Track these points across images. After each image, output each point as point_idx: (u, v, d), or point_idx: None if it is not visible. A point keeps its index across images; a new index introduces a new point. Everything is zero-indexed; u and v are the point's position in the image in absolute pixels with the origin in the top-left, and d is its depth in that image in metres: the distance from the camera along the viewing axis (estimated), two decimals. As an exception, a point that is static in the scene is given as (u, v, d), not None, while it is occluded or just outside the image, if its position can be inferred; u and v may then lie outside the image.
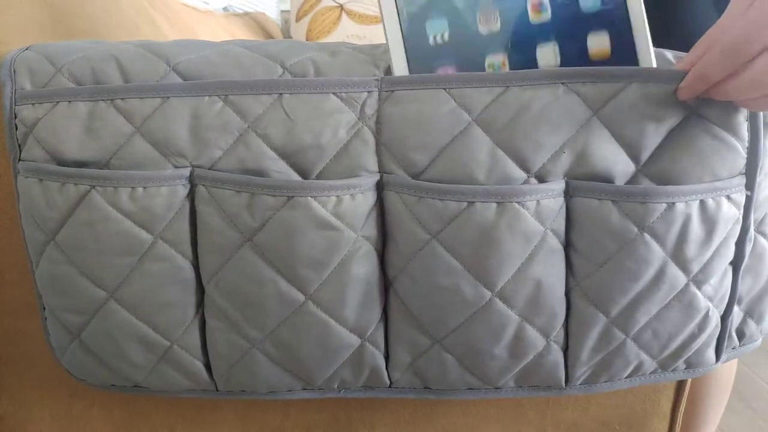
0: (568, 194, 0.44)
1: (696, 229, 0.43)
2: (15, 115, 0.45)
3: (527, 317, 0.46)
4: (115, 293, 0.46)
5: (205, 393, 0.52)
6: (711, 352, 0.51)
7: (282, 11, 2.91)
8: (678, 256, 0.44)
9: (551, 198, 0.44)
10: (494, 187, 0.43)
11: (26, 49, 0.47)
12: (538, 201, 0.43)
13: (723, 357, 0.52)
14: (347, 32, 1.93)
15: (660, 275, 0.44)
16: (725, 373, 0.84)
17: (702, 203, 0.43)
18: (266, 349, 0.48)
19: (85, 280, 0.46)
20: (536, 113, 0.43)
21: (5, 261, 0.51)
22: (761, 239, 0.49)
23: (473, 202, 0.43)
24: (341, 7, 1.94)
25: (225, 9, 1.86)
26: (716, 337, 0.50)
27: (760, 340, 0.54)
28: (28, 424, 0.56)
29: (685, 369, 0.51)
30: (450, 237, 0.44)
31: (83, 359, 0.50)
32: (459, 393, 0.51)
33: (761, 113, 0.44)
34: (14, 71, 0.45)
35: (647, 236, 0.43)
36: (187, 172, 0.44)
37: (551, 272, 0.45)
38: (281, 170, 0.44)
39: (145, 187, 0.44)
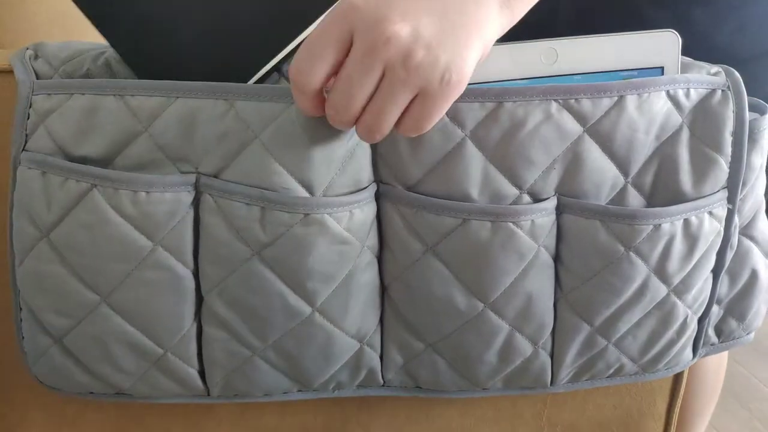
0: (558, 210, 0.45)
1: (678, 245, 0.45)
2: (30, 104, 0.44)
3: (517, 327, 0.47)
4: (108, 298, 0.44)
5: (194, 398, 0.50)
6: (689, 351, 0.52)
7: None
8: (660, 271, 0.45)
9: (545, 216, 0.44)
10: (490, 206, 0.43)
11: (27, 48, 0.46)
12: (532, 220, 0.44)
13: (701, 352, 0.54)
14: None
15: (642, 289, 0.46)
16: (711, 375, 0.85)
17: (686, 221, 0.44)
18: (267, 357, 0.47)
19: (77, 282, 0.44)
20: (529, 131, 0.43)
21: (-1, 263, 0.50)
22: (746, 241, 0.51)
23: (469, 220, 0.43)
24: (337, 9, 1.94)
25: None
26: (693, 338, 0.52)
27: (751, 336, 0.55)
28: (21, 426, 0.55)
29: (665, 369, 0.53)
30: (445, 250, 0.44)
31: (61, 365, 0.48)
32: (449, 392, 0.52)
33: (746, 127, 0.44)
34: (29, 62, 0.45)
35: (633, 255, 0.44)
36: (192, 178, 0.43)
37: (542, 285, 0.46)
38: (288, 186, 0.42)
39: (147, 192, 0.42)
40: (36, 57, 0.46)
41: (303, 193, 0.43)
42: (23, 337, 0.48)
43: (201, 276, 0.45)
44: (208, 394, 0.50)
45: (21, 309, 0.47)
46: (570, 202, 0.44)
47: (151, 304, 0.45)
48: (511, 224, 0.43)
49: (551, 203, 0.44)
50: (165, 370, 0.47)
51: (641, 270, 0.45)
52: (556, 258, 0.47)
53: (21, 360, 0.53)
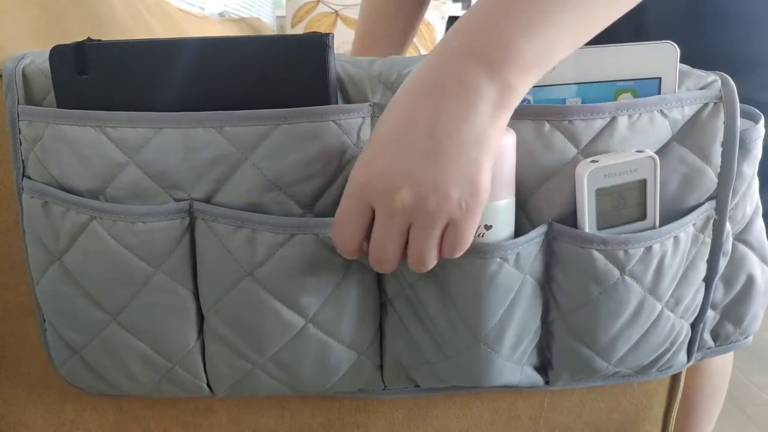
0: (551, 235, 0.45)
1: (669, 262, 0.45)
2: (19, 130, 0.45)
3: (509, 358, 0.48)
4: (117, 317, 0.46)
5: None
6: (683, 355, 0.53)
7: (278, 17, 2.92)
8: (654, 290, 0.46)
9: (532, 245, 0.44)
10: (478, 240, 0.43)
11: (22, 57, 0.46)
12: (518, 253, 0.44)
13: (697, 356, 0.54)
14: (342, 38, 1.94)
15: (639, 309, 0.46)
16: (718, 377, 0.85)
17: (675, 238, 0.45)
18: (267, 369, 0.48)
19: (87, 303, 0.46)
20: (521, 149, 0.43)
21: (-1, 264, 0.51)
22: (741, 247, 0.51)
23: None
24: (336, 13, 1.95)
25: (221, 14, 1.87)
26: (687, 342, 0.52)
27: (749, 340, 0.55)
28: (20, 427, 0.55)
29: (658, 371, 0.53)
30: (442, 276, 0.45)
31: (82, 374, 0.50)
32: (447, 389, 0.53)
33: (737, 137, 0.44)
34: (16, 83, 0.44)
35: (628, 279, 0.45)
36: (186, 205, 0.44)
37: (529, 313, 0.47)
38: (280, 201, 0.44)
39: (144, 222, 0.43)
40: (32, 64, 0.46)
41: (295, 207, 0.44)
42: (49, 346, 0.50)
43: (200, 296, 0.46)
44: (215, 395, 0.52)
45: (44, 321, 0.49)
46: (565, 230, 0.44)
47: (157, 323, 0.46)
48: (498, 259, 0.43)
49: (538, 232, 0.44)
50: (174, 381, 0.49)
51: (636, 292, 0.45)
52: (552, 279, 0.47)
53: (20, 360, 0.54)
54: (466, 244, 0.39)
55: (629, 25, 0.69)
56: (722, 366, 0.85)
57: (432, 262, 0.39)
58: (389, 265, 0.40)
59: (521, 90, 0.37)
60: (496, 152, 0.38)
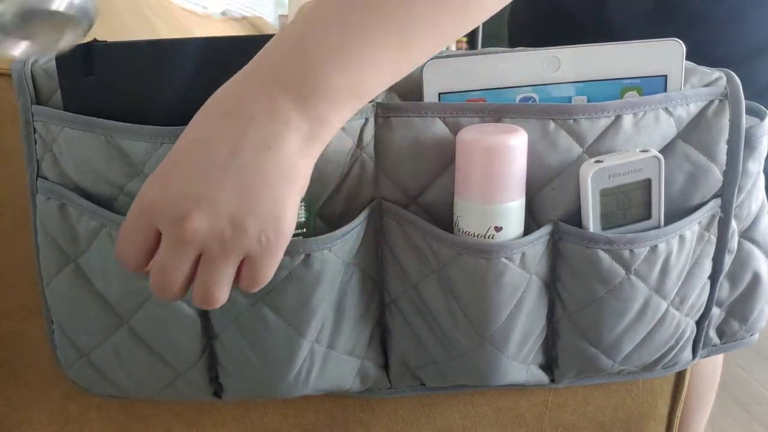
0: (556, 235, 0.45)
1: (674, 260, 0.45)
2: (34, 129, 0.44)
3: (515, 357, 0.48)
4: (128, 322, 0.46)
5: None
6: (688, 353, 0.53)
7: (280, 15, 2.91)
8: (660, 288, 0.46)
9: (537, 245, 0.44)
10: (482, 241, 0.42)
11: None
12: (523, 253, 0.43)
13: (702, 354, 0.54)
14: (345, 37, 1.94)
15: (644, 308, 0.46)
16: (708, 374, 0.85)
17: (680, 237, 0.45)
18: (281, 381, 0.48)
19: (100, 306, 0.46)
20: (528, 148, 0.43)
21: (3, 264, 0.51)
22: (747, 244, 0.51)
23: (461, 254, 0.43)
24: (339, 11, 1.94)
25: (223, 13, 1.86)
26: (692, 339, 0.52)
27: (755, 338, 0.55)
28: (23, 426, 0.56)
29: (663, 369, 0.53)
30: (446, 276, 0.45)
31: (89, 376, 0.50)
32: (452, 388, 0.53)
33: (743, 135, 0.44)
34: (27, 83, 0.44)
35: (633, 278, 0.45)
36: None
37: (535, 312, 0.47)
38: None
39: None
40: (36, 64, 0.45)
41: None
42: (56, 347, 0.50)
43: (211, 315, 0.46)
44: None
45: (53, 322, 0.49)
46: (570, 230, 0.44)
47: (161, 336, 0.46)
48: (504, 259, 0.43)
49: (542, 232, 0.44)
50: (179, 390, 0.49)
51: (642, 290, 0.45)
52: (558, 278, 0.46)
53: (24, 359, 0.54)
54: (264, 281, 0.36)
55: (595, 29, 0.69)
56: (712, 363, 0.85)
57: (221, 299, 0.35)
58: (173, 296, 0.35)
59: (335, 122, 0.35)
60: (304, 186, 0.35)
